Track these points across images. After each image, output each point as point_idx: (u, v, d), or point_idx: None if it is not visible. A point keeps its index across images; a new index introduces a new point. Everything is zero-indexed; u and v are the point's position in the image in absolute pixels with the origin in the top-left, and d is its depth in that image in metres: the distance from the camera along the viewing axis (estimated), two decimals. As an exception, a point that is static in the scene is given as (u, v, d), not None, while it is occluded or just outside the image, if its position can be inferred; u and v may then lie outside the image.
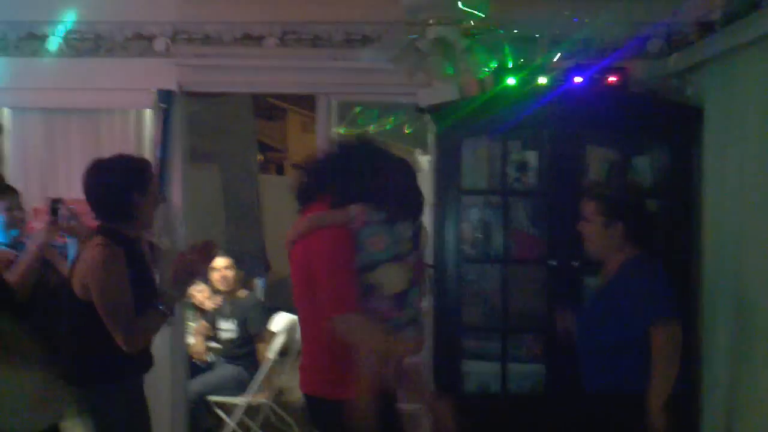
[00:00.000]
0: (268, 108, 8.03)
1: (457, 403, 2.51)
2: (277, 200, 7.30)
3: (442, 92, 3.61)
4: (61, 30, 4.00)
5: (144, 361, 2.83)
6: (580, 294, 3.37)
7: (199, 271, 2.93)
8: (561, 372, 3.34)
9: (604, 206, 2.77)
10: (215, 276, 4.95)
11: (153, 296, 2.70)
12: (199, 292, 5.06)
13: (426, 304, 2.52)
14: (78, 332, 2.68)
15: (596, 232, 2.79)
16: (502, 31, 3.47)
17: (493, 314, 3.59)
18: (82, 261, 2.66)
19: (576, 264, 3.34)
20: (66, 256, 3.18)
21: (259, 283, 6.04)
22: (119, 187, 2.67)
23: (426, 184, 4.22)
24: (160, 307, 2.67)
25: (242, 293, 5.02)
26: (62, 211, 3.12)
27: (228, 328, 4.87)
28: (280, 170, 9.62)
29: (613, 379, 2.71)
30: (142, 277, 2.75)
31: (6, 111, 4.09)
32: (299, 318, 2.49)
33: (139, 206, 2.70)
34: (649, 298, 2.64)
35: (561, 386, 3.36)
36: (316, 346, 2.41)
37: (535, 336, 3.54)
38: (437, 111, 3.50)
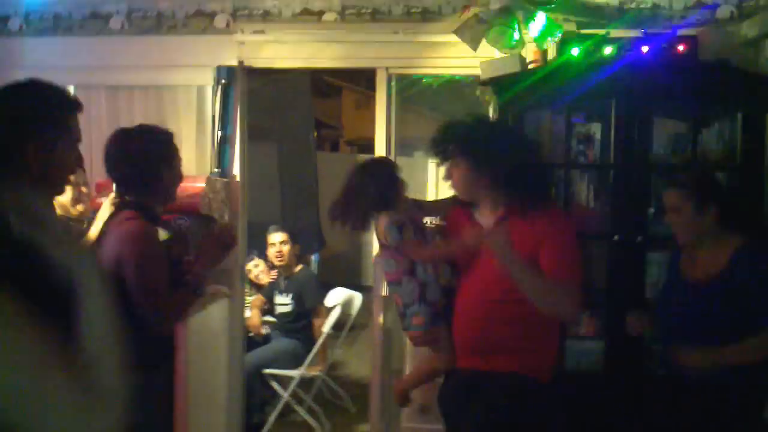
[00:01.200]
0: (322, 85, 8.03)
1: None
2: (332, 177, 7.33)
3: (504, 64, 3.55)
4: (122, 9, 4.06)
5: (165, 349, 2.73)
6: (643, 270, 3.30)
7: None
8: (620, 350, 3.29)
9: (690, 191, 2.64)
10: (271, 251, 5.00)
11: (180, 276, 2.61)
12: (255, 267, 5.11)
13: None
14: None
15: (688, 222, 2.65)
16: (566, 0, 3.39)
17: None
18: (112, 235, 2.53)
19: (640, 239, 3.27)
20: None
21: (313, 258, 6.07)
22: (149, 157, 2.55)
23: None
24: (190, 287, 2.60)
25: (298, 268, 5.06)
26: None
27: (284, 303, 4.91)
28: (334, 147, 9.65)
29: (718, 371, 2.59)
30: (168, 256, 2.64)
31: (71, 89, 4.17)
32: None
33: (165, 180, 2.61)
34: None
35: (620, 365, 3.30)
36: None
37: (594, 312, 3.48)
38: (499, 83, 3.44)
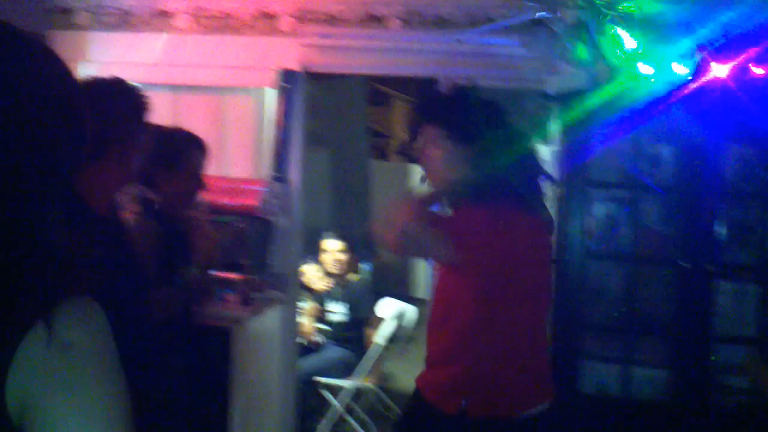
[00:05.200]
0: (373, 93, 7.98)
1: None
2: (382, 186, 7.30)
3: (572, 79, 3.47)
4: (189, 7, 4.07)
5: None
6: (712, 299, 3.19)
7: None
8: (688, 380, 3.18)
9: None
10: (327, 258, 4.97)
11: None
12: (312, 271, 5.09)
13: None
14: None
15: None
16: (640, 15, 3.29)
17: (616, 314, 3.44)
18: None
19: (711, 267, 3.16)
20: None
21: (365, 267, 6.04)
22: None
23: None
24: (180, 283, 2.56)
25: (353, 277, 5.03)
26: None
27: (338, 311, 4.88)
28: (383, 156, 9.58)
29: None
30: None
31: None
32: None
33: (165, 181, 2.54)
34: None
35: (687, 395, 3.20)
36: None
37: (660, 340, 3.37)
38: (566, 99, 3.36)
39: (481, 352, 2.18)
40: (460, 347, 2.22)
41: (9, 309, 0.79)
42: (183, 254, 2.70)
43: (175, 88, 4.14)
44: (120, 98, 1.96)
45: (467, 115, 2.28)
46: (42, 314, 0.80)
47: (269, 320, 3.98)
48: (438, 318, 2.33)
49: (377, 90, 8.62)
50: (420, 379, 2.32)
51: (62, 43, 3.94)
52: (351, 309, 4.84)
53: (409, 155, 2.73)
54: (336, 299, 4.90)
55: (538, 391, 2.28)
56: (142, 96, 2.00)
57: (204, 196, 3.24)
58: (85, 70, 3.87)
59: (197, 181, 2.69)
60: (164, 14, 4.10)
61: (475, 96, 2.37)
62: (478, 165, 2.21)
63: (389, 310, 4.82)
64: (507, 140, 2.28)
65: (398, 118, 9.80)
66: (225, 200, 3.98)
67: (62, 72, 0.91)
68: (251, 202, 3.95)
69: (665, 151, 3.35)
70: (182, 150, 2.63)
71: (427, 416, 2.24)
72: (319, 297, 5.00)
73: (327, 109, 6.28)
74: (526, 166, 2.30)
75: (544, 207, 2.40)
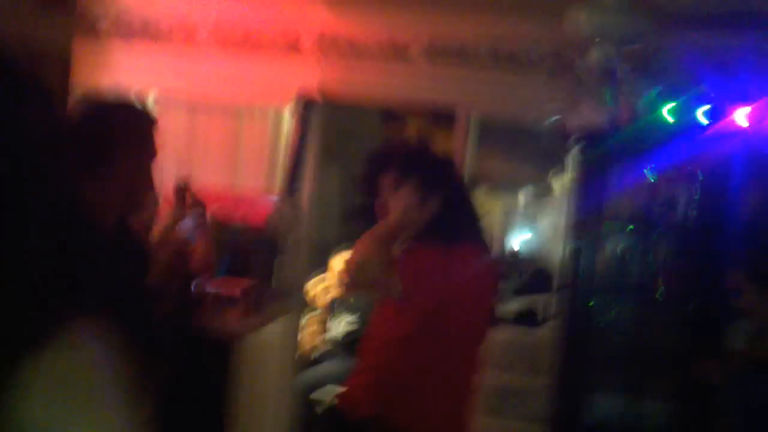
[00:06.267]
0: (387, 114, 7.99)
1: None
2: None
3: (590, 115, 3.49)
4: (211, 20, 4.07)
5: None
6: (722, 339, 3.19)
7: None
8: (693, 417, 3.18)
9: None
10: (339, 268, 4.96)
11: None
12: (313, 287, 5.09)
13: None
14: None
15: None
16: (664, 58, 3.32)
17: (625, 348, 3.45)
18: None
19: (723, 307, 3.17)
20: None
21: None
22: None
23: (556, 207, 4.12)
24: None
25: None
26: (189, 195, 3.18)
27: (350, 321, 4.88)
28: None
29: None
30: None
31: (151, 99, 4.20)
32: None
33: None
34: None
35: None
36: None
37: (669, 375, 3.38)
38: (587, 137, 3.38)
39: (401, 372, 2.31)
40: (382, 365, 2.35)
41: (23, 327, 0.77)
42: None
43: (191, 104, 4.16)
44: (122, 115, 2.00)
45: (425, 166, 2.45)
46: (58, 333, 0.78)
47: (273, 332, 3.99)
48: (369, 344, 2.47)
49: (389, 109, 8.61)
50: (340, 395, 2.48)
51: (85, 53, 3.96)
52: (363, 319, 4.83)
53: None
54: (349, 310, 4.90)
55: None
56: (146, 113, 2.05)
57: (211, 206, 3.28)
58: (107, 79, 3.90)
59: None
60: (187, 27, 4.10)
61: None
62: (431, 209, 2.36)
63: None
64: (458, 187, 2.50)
65: (412, 135, 9.79)
66: (233, 211, 4.00)
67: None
68: (260, 214, 3.97)
69: (681, 192, 3.37)
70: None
71: (337, 423, 2.42)
72: (327, 308, 5.00)
73: (341, 126, 6.28)
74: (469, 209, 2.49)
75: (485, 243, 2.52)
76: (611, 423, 3.40)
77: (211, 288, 3.72)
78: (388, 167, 2.48)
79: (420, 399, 2.32)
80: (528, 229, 4.96)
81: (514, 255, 4.59)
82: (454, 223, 2.38)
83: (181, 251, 3.31)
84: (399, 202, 2.40)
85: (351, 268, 2.43)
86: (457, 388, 2.43)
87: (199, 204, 3.20)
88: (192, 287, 3.49)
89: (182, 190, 3.13)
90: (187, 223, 3.19)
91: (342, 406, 2.42)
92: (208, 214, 3.91)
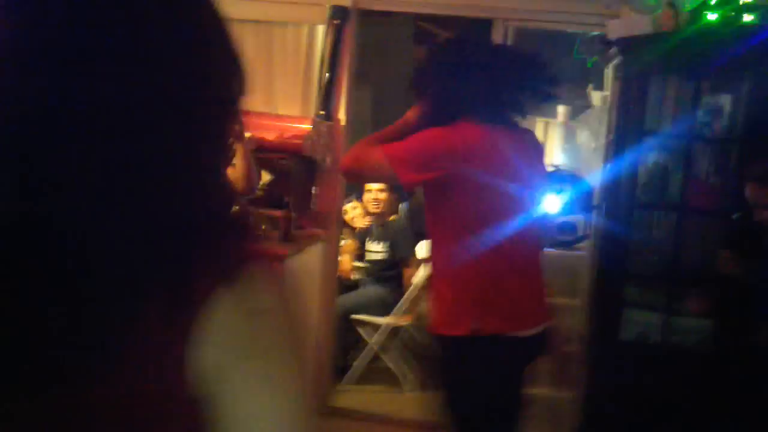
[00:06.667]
0: (418, 32, 7.84)
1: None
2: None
3: (635, 24, 3.37)
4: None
5: None
6: (763, 250, 3.14)
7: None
8: (732, 329, 3.16)
9: None
10: (368, 197, 4.97)
11: None
12: (353, 209, 5.10)
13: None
14: None
15: None
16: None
17: (662, 264, 3.41)
18: None
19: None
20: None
21: (402, 207, 6.04)
22: None
23: (596, 120, 4.04)
24: None
25: (393, 217, 5.03)
26: None
27: (377, 250, 4.90)
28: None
29: None
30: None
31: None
32: None
33: None
34: None
35: (731, 343, 3.18)
36: None
37: (706, 290, 3.34)
38: (627, 44, 3.27)
39: (472, 277, 2.27)
40: (453, 278, 2.32)
41: (195, 274, 0.74)
42: None
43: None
44: None
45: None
46: (229, 279, 0.75)
47: (311, 257, 4.01)
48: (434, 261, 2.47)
49: (422, 29, 8.45)
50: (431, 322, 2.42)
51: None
52: (390, 248, 4.86)
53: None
54: (376, 238, 4.92)
55: (537, 312, 2.37)
56: None
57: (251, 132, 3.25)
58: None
59: None
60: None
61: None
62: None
63: (427, 251, 4.83)
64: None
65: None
66: (270, 137, 3.97)
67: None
68: (296, 139, 3.94)
69: (724, 102, 3.27)
70: None
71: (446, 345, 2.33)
72: (360, 235, 5.02)
73: (372, 47, 6.18)
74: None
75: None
76: (648, 339, 3.39)
77: (253, 210, 3.73)
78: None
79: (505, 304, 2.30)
80: (568, 143, 4.87)
81: (557, 168, 4.53)
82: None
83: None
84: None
85: (350, 155, 2.38)
86: (529, 283, 2.39)
87: (236, 120, 3.18)
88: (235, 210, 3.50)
89: None
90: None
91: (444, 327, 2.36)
92: (248, 136, 3.90)
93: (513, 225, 2.26)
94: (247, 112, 0.88)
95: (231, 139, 0.89)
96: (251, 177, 3.32)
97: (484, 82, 2.29)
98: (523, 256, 2.36)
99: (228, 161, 0.86)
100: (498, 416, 2.32)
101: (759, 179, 2.68)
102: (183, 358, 0.72)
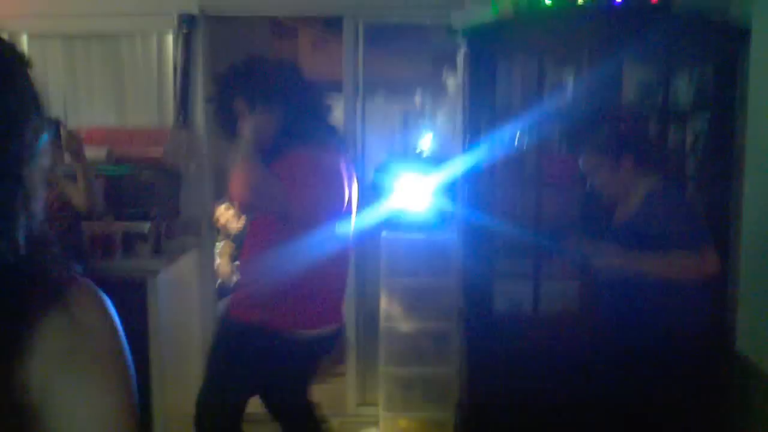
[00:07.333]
0: (277, 26, 7.79)
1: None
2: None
3: (476, 13, 3.49)
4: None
5: None
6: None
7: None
8: (594, 290, 3.33)
9: (604, 148, 2.77)
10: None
11: None
12: (226, 210, 5.05)
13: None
14: None
15: (609, 177, 2.78)
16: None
17: (526, 235, 3.55)
18: None
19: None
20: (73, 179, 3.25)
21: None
22: None
23: (452, 106, 4.16)
24: None
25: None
26: (62, 132, 3.12)
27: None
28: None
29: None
30: None
31: (24, 37, 3.98)
32: None
33: None
34: (673, 229, 2.63)
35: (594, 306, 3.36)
36: None
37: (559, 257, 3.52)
38: (471, 32, 3.38)
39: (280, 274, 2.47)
40: (263, 269, 2.53)
41: (26, 295, 0.80)
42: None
43: (69, 38, 3.97)
44: None
45: (264, 82, 2.57)
46: (58, 299, 0.81)
47: (187, 263, 3.96)
48: (249, 247, 2.66)
49: (282, 23, 8.36)
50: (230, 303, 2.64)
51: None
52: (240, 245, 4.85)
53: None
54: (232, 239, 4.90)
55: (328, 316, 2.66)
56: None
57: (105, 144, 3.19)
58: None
59: None
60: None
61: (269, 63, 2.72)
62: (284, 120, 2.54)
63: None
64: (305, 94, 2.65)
65: (306, 47, 9.60)
66: (129, 151, 3.89)
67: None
68: (156, 151, 3.88)
69: (567, 79, 3.44)
70: None
71: (235, 329, 2.57)
72: (237, 237, 4.98)
73: (229, 48, 6.11)
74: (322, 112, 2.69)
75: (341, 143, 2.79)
76: (520, 307, 3.54)
77: (106, 228, 3.65)
78: (234, 90, 2.59)
79: (296, 303, 2.51)
80: (428, 129, 4.99)
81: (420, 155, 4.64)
82: (307, 130, 2.53)
83: (60, 191, 3.24)
84: (247, 122, 2.52)
85: (246, 191, 2.48)
86: (331, 290, 2.67)
87: (74, 140, 3.12)
88: (79, 227, 3.43)
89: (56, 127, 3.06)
90: (66, 161, 3.15)
91: (238, 313, 2.58)
92: (104, 151, 3.80)
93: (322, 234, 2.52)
94: (101, 128, 0.92)
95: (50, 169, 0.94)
96: (92, 195, 3.29)
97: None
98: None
99: (39, 197, 0.87)
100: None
101: (587, 151, 2.85)
102: (10, 369, 0.77)
